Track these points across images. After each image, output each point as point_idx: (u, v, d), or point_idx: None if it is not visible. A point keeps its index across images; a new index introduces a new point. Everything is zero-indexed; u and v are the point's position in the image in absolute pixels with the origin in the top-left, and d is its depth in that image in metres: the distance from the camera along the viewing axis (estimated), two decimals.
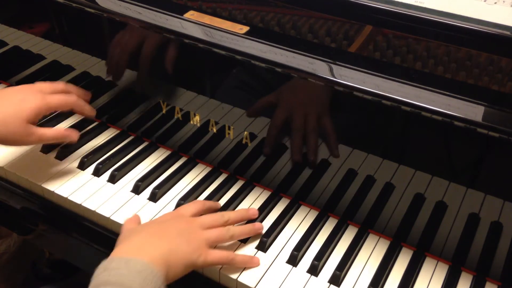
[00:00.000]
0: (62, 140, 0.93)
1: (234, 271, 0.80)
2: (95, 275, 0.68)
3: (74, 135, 0.92)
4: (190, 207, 0.84)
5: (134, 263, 0.68)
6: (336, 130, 0.84)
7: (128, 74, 1.01)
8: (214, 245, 0.80)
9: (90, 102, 1.08)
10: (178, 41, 0.89)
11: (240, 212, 0.87)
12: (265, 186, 0.96)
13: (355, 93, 0.77)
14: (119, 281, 0.66)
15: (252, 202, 0.93)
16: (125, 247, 0.74)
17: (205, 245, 0.77)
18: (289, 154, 0.90)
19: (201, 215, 0.84)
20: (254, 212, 0.88)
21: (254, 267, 0.81)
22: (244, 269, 0.81)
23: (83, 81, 1.08)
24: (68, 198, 0.91)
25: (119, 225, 0.87)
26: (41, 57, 1.11)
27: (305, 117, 0.85)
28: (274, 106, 0.87)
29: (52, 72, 1.11)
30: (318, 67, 0.81)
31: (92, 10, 0.96)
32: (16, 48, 1.14)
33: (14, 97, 0.88)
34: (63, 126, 1.06)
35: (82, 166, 0.97)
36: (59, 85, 0.94)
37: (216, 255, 0.78)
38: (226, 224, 0.83)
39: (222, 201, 0.93)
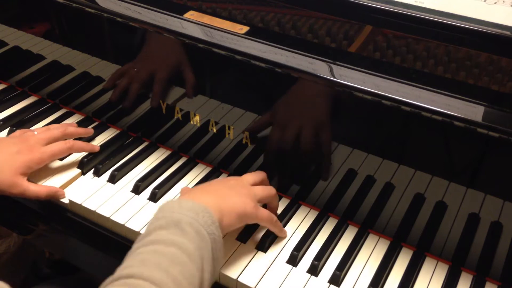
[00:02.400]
0: (46, 198, 0.91)
1: (234, 271, 0.80)
2: (152, 218, 0.71)
3: (61, 194, 0.91)
4: (249, 177, 0.87)
5: (186, 203, 0.72)
6: (335, 133, 0.85)
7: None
8: (262, 202, 0.84)
9: (91, 102, 1.09)
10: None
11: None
12: None
13: (355, 93, 0.77)
14: (171, 216, 0.69)
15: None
16: (184, 196, 0.78)
17: (254, 199, 0.81)
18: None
19: None
20: None
21: (283, 237, 0.86)
22: (244, 269, 0.81)
23: (83, 81, 1.08)
24: (68, 198, 0.91)
25: (119, 225, 0.87)
26: (41, 57, 1.11)
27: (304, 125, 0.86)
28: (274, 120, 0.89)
29: (52, 72, 1.12)
30: (318, 67, 0.81)
31: (92, 10, 0.96)
32: (16, 48, 1.14)
33: (11, 148, 0.90)
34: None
35: (82, 166, 0.97)
36: (58, 132, 0.96)
37: (265, 213, 0.82)
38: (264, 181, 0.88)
39: None
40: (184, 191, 0.87)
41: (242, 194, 0.80)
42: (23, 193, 0.88)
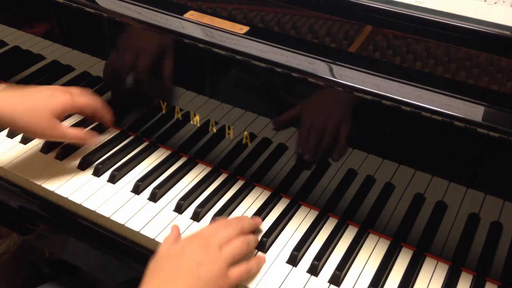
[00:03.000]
0: (82, 142, 0.94)
1: None
2: None
3: (95, 139, 0.94)
4: (212, 228, 0.81)
5: None
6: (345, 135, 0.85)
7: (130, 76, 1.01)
8: (235, 260, 0.77)
9: None
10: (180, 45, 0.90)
11: (250, 221, 0.85)
12: (265, 186, 0.96)
13: (355, 93, 0.77)
14: None
15: (252, 202, 0.93)
16: (148, 284, 0.72)
17: (225, 268, 0.75)
18: (289, 154, 0.90)
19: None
20: (260, 221, 0.87)
21: (263, 264, 0.81)
22: None
23: (83, 81, 1.08)
24: (68, 198, 0.91)
25: (119, 225, 0.87)
26: (41, 57, 1.11)
27: (325, 122, 0.84)
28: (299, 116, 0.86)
29: (52, 72, 1.12)
30: (318, 67, 0.81)
31: (92, 10, 0.96)
32: (16, 48, 1.14)
33: (43, 92, 0.93)
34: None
35: (82, 166, 0.97)
36: (88, 90, 0.98)
37: (236, 275, 0.76)
38: (241, 233, 0.81)
39: (222, 201, 0.93)
40: (156, 260, 0.75)
41: (212, 271, 0.73)
42: (62, 135, 0.91)
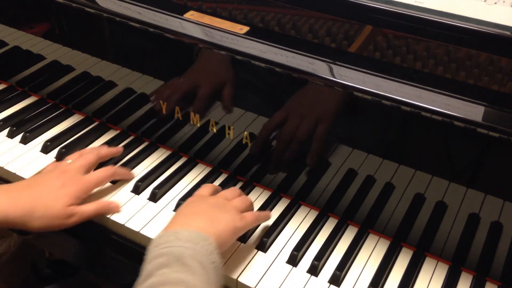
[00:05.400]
0: (104, 213, 0.88)
1: (234, 271, 0.80)
2: (147, 252, 0.70)
3: (115, 206, 0.89)
4: (205, 189, 0.88)
5: (182, 233, 0.71)
6: (335, 131, 0.85)
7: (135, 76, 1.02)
8: (243, 210, 0.83)
9: (91, 102, 1.09)
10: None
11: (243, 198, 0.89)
12: (265, 186, 0.96)
13: (355, 93, 0.77)
14: (171, 251, 0.68)
15: (252, 202, 0.93)
16: (171, 225, 0.77)
17: (237, 211, 0.81)
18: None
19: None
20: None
21: (267, 220, 0.87)
22: (244, 269, 0.81)
23: (83, 81, 1.08)
24: None
25: (119, 225, 0.87)
26: (41, 57, 1.11)
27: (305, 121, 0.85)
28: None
29: (52, 72, 1.12)
30: (318, 67, 0.81)
31: (92, 10, 0.96)
32: (16, 48, 1.14)
33: (54, 182, 0.86)
34: (60, 127, 1.07)
35: None
36: (93, 156, 0.92)
37: (250, 216, 0.82)
38: (241, 195, 0.88)
39: None
40: (176, 216, 0.80)
41: (228, 210, 0.80)
42: (81, 216, 0.85)
